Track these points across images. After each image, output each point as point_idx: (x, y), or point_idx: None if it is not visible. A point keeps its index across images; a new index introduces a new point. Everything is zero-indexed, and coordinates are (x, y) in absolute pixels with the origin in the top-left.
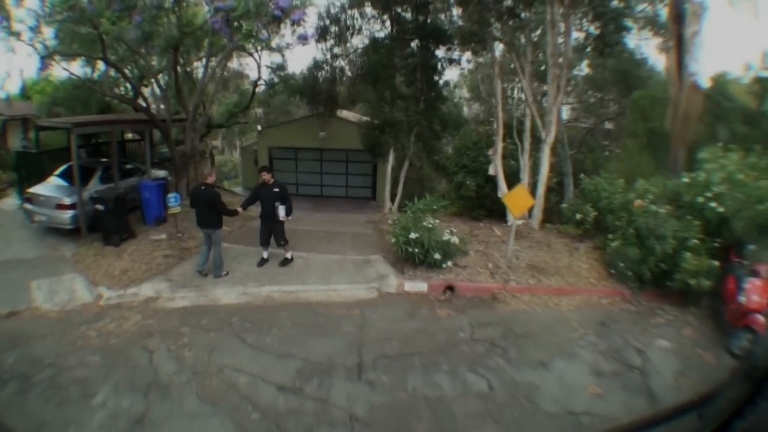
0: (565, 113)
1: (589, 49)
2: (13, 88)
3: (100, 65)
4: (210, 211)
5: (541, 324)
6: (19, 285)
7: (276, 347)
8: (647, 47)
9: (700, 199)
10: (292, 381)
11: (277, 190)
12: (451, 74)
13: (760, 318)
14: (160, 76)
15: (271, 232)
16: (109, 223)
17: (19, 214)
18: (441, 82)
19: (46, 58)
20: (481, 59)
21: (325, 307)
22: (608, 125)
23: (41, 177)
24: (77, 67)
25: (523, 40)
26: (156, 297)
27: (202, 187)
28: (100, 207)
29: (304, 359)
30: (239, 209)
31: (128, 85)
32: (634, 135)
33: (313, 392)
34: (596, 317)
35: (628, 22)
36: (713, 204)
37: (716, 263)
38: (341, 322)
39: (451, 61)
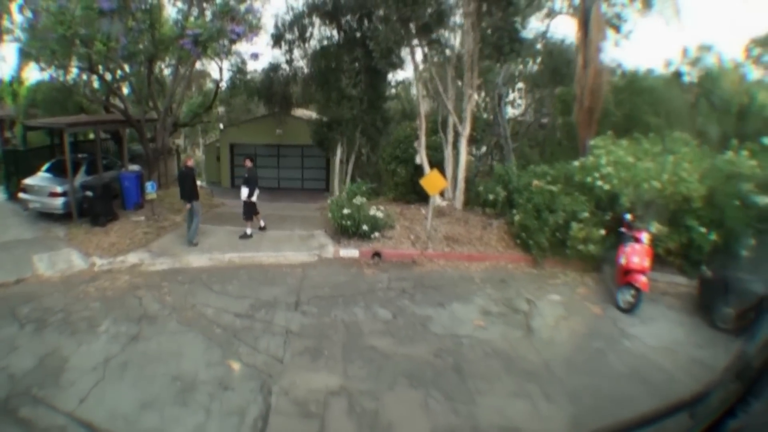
0: (519, 110)
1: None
2: None
3: (73, 69)
4: (185, 186)
5: (448, 280)
6: (22, 259)
7: (235, 292)
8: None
9: (589, 179)
10: (246, 311)
11: (245, 175)
12: (405, 73)
13: (643, 278)
14: (133, 80)
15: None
16: (97, 207)
17: (8, 205)
18: (387, 82)
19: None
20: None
21: (274, 267)
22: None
23: (29, 172)
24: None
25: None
26: (140, 263)
27: (184, 169)
28: (89, 193)
29: (255, 299)
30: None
31: (101, 88)
32: (554, 128)
33: (261, 317)
34: (498, 277)
35: (523, 34)
36: (600, 183)
37: (603, 232)
38: (286, 276)
39: (390, 65)
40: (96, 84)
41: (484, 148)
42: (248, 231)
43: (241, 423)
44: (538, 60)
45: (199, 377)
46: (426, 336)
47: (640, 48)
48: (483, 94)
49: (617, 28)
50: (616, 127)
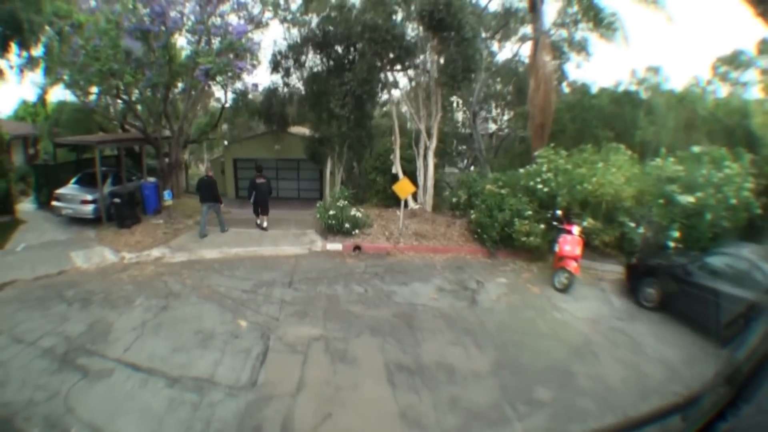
0: (499, 125)
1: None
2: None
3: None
4: (210, 192)
5: (414, 267)
6: (61, 255)
7: (241, 276)
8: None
9: (532, 183)
10: (250, 288)
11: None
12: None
13: (574, 263)
14: (149, 102)
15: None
16: (123, 212)
17: (40, 213)
18: (376, 102)
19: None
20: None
21: (273, 258)
22: None
23: (58, 183)
24: (68, 94)
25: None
26: (162, 257)
27: (206, 178)
28: (117, 200)
29: (257, 280)
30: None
31: (121, 109)
32: (516, 140)
33: (262, 292)
34: (456, 264)
35: (473, 64)
36: (540, 186)
37: (543, 227)
38: (282, 264)
39: (367, 92)
40: (117, 106)
41: (465, 161)
42: (257, 221)
43: (248, 357)
44: (512, 80)
45: (216, 331)
46: (389, 304)
47: (610, 68)
48: (465, 111)
49: (586, 51)
50: (572, 140)
